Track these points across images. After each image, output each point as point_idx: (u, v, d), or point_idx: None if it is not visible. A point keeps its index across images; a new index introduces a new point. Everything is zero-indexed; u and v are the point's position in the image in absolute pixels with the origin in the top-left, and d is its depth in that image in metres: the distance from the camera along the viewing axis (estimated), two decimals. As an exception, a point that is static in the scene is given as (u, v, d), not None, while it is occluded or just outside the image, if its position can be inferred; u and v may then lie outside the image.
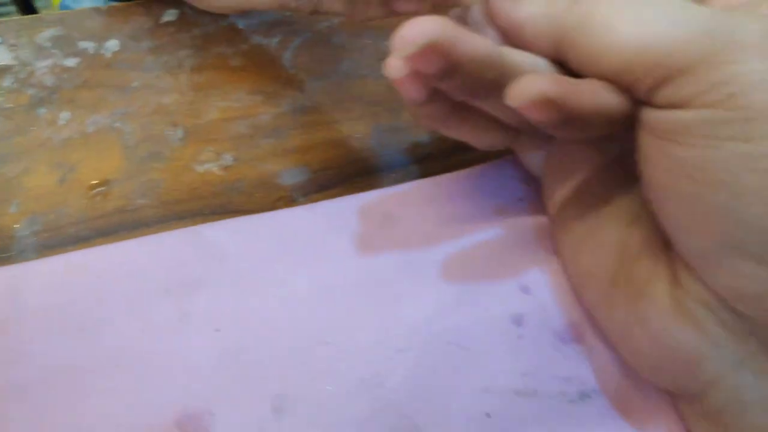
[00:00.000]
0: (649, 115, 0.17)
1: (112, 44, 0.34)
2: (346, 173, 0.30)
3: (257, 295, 0.23)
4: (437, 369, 0.22)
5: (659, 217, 0.19)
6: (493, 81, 0.18)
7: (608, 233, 0.22)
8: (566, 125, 0.18)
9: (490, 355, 0.23)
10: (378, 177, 0.30)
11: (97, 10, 0.35)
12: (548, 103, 0.17)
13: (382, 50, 0.35)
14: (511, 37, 0.21)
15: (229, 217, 0.26)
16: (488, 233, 0.26)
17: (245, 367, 0.22)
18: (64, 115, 0.31)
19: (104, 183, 0.29)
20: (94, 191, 0.28)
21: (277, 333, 0.22)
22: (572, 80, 0.18)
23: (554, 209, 0.26)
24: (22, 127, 0.30)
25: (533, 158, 0.27)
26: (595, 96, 0.18)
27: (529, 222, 0.27)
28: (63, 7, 0.60)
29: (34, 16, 0.35)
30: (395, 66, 0.17)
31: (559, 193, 0.25)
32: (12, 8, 0.86)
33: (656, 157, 0.17)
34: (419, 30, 0.16)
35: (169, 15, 0.35)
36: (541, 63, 0.20)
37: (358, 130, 0.32)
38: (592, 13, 0.18)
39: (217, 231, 0.25)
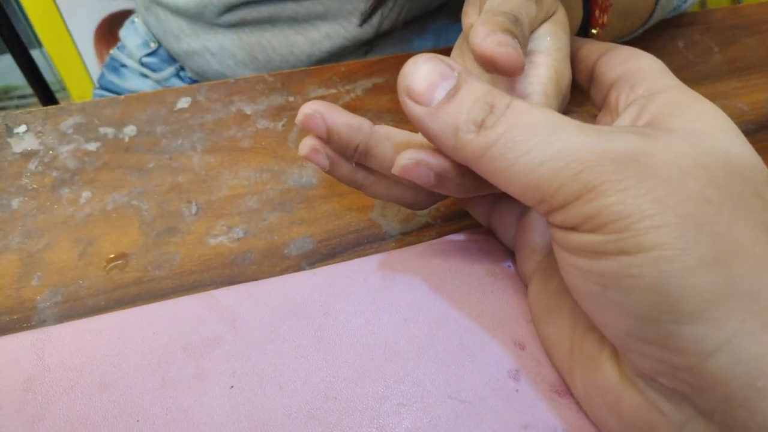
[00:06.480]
0: (553, 232, 0.21)
1: (130, 129, 0.37)
2: (348, 242, 0.32)
3: (267, 353, 0.25)
4: (438, 423, 0.23)
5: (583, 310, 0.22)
6: (361, 146, 0.25)
7: (563, 307, 0.25)
8: (442, 184, 0.23)
9: (489, 408, 0.24)
10: (378, 245, 0.32)
11: (115, 99, 0.38)
12: (416, 166, 0.23)
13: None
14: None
15: (240, 285, 0.28)
16: (482, 292, 0.28)
17: (259, 423, 0.23)
18: (85, 195, 0.33)
19: (122, 257, 0.31)
20: (112, 264, 0.30)
21: (288, 390, 0.24)
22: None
23: (526, 280, 0.28)
24: (45, 206, 0.32)
25: (507, 234, 0.30)
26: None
27: (518, 283, 0.28)
28: (103, 83, 0.64)
29: (58, 105, 0.37)
30: (304, 144, 0.25)
31: (527, 267, 0.28)
32: (34, 99, 0.93)
33: (565, 263, 0.21)
34: (307, 106, 0.24)
35: (183, 102, 0.38)
36: (414, 137, 0.26)
37: (360, 203, 0.34)
38: (492, 145, 0.20)
39: (230, 294, 0.27)
